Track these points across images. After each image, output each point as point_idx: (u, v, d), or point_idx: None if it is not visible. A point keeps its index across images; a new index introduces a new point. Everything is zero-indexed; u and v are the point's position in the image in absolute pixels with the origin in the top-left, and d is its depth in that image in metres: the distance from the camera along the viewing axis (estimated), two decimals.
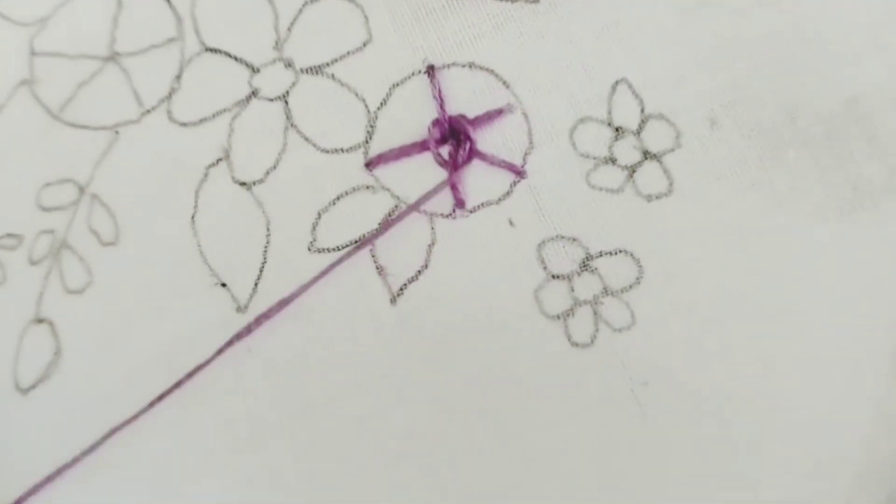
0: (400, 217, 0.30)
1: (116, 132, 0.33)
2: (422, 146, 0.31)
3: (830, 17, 0.30)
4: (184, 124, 0.32)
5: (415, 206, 0.30)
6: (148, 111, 0.33)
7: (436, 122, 0.31)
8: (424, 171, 0.31)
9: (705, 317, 0.29)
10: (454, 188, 0.30)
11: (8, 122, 0.33)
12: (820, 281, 0.29)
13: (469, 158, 0.30)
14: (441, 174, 0.31)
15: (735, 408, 0.29)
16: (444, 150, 0.31)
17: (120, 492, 0.31)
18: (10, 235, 0.33)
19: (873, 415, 0.29)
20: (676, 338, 0.29)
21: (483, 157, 0.31)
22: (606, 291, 0.30)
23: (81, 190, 0.32)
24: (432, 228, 0.31)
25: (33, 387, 0.32)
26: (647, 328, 0.29)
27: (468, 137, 0.30)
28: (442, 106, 0.31)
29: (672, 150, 0.30)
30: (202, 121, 0.32)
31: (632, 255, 0.30)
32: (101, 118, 0.33)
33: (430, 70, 0.31)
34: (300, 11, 0.32)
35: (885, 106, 0.30)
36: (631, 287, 0.30)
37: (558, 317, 0.30)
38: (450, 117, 0.31)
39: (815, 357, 0.29)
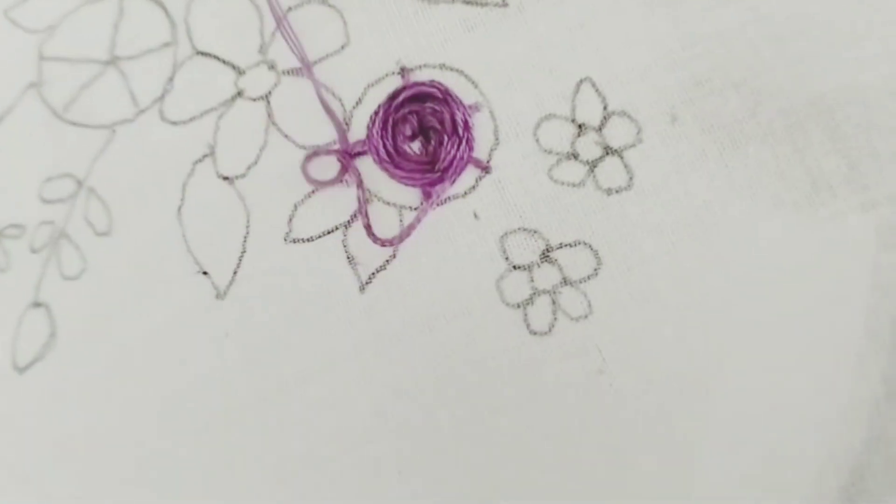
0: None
1: (113, 130, 0.35)
2: (393, 141, 0.32)
3: (795, 14, 0.31)
4: (174, 123, 0.34)
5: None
6: (142, 111, 0.35)
7: (405, 119, 0.32)
8: None
9: (662, 307, 0.30)
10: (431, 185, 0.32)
11: (17, 122, 0.36)
12: (778, 273, 0.30)
13: (469, 159, 0.32)
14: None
15: (690, 397, 0.29)
16: (416, 145, 0.32)
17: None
18: (13, 226, 0.35)
19: (833, 406, 0.29)
20: (632, 327, 0.30)
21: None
22: (565, 282, 0.31)
23: (80, 184, 0.35)
24: (401, 221, 0.32)
25: (30, 365, 0.34)
26: (604, 317, 0.30)
27: (467, 130, 0.32)
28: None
29: (633, 145, 0.31)
30: (191, 119, 0.34)
31: (590, 246, 0.31)
32: (99, 118, 0.35)
33: (403, 71, 0.33)
34: (284, 17, 0.34)
35: (848, 100, 0.30)
36: (589, 278, 0.31)
37: (518, 305, 0.31)
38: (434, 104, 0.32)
39: (772, 348, 0.29)
